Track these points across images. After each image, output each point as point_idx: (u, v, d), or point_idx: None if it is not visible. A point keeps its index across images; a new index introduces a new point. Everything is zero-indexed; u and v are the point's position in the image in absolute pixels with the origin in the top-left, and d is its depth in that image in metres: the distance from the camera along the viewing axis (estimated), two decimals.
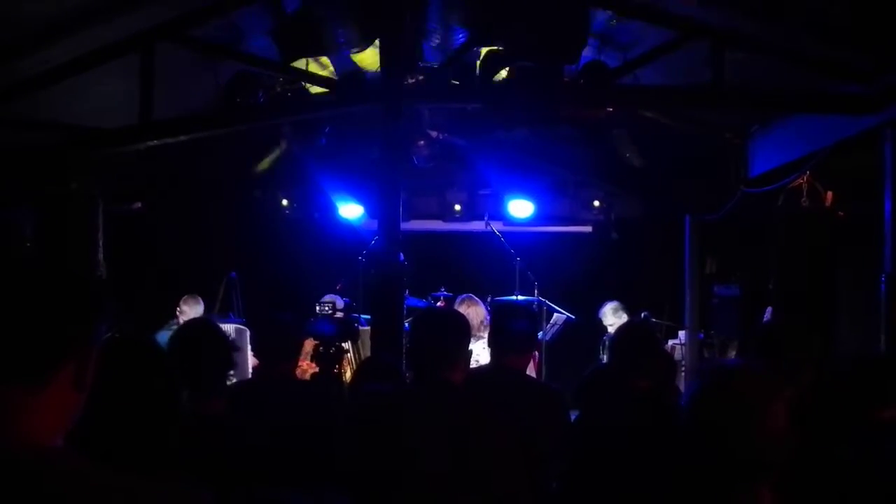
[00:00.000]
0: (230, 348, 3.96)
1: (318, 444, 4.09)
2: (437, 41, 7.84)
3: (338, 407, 4.90)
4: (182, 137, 7.42)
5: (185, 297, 8.96)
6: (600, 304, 9.69)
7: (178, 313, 8.84)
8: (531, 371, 8.00)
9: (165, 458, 2.90)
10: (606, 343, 8.97)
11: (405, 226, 7.31)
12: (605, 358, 8.86)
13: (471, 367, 4.08)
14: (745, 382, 2.48)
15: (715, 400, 2.46)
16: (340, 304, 8.64)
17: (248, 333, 8.55)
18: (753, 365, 2.81)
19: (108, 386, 2.79)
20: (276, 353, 4.91)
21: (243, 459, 3.42)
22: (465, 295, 8.81)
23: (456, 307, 8.58)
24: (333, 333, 7.57)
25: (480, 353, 7.31)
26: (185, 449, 3.11)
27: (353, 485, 3.43)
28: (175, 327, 8.36)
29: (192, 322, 6.51)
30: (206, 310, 9.20)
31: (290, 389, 4.85)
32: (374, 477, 3.37)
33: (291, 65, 7.54)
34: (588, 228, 11.91)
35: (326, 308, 8.02)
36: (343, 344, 7.85)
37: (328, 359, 7.40)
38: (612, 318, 9.41)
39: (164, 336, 7.90)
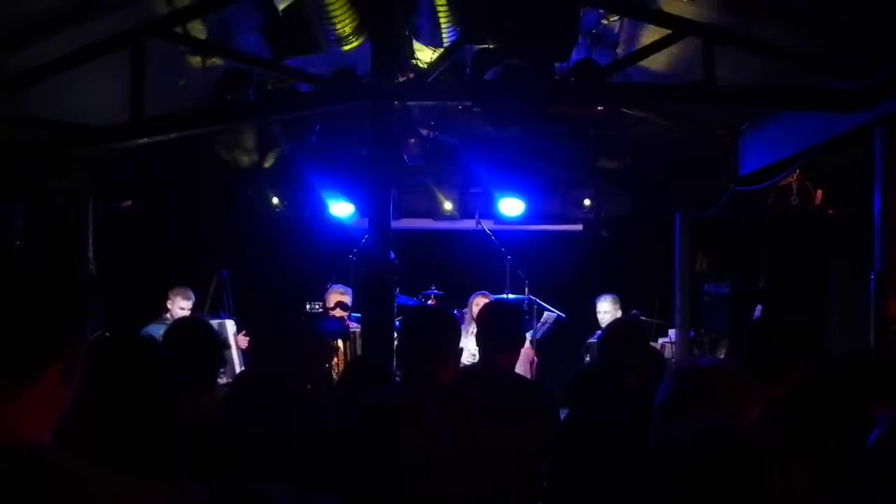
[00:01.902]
0: (221, 346, 3.97)
1: (308, 443, 4.09)
2: (427, 39, 7.83)
3: (328, 405, 4.90)
4: (173, 135, 7.41)
5: (176, 288, 8.91)
6: (594, 299, 9.65)
7: (168, 306, 8.80)
8: (528, 373, 8.03)
9: (155, 454, 2.90)
10: (588, 346, 8.97)
11: (396, 224, 7.32)
12: (588, 360, 8.88)
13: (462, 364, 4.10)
14: (717, 382, 2.48)
15: (686, 400, 2.45)
16: (346, 290, 8.65)
17: (228, 327, 8.53)
18: (726, 364, 2.81)
19: (96, 383, 2.79)
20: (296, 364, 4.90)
21: (234, 456, 3.42)
22: (480, 292, 8.96)
23: (471, 301, 8.69)
24: (332, 331, 7.59)
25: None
26: (175, 445, 3.11)
27: (348, 485, 3.43)
28: (167, 320, 8.35)
29: (184, 320, 6.51)
30: (197, 305, 9.17)
31: (285, 388, 4.84)
32: (370, 478, 3.37)
33: (282, 62, 7.54)
34: (578, 227, 11.92)
35: (317, 306, 8.02)
36: (334, 342, 7.86)
37: (321, 361, 7.40)
38: (610, 307, 9.39)
39: (155, 329, 7.89)
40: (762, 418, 2.52)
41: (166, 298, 8.82)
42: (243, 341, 8.47)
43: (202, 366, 3.79)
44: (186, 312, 8.66)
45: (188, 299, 8.82)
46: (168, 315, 8.64)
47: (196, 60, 7.70)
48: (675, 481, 1.99)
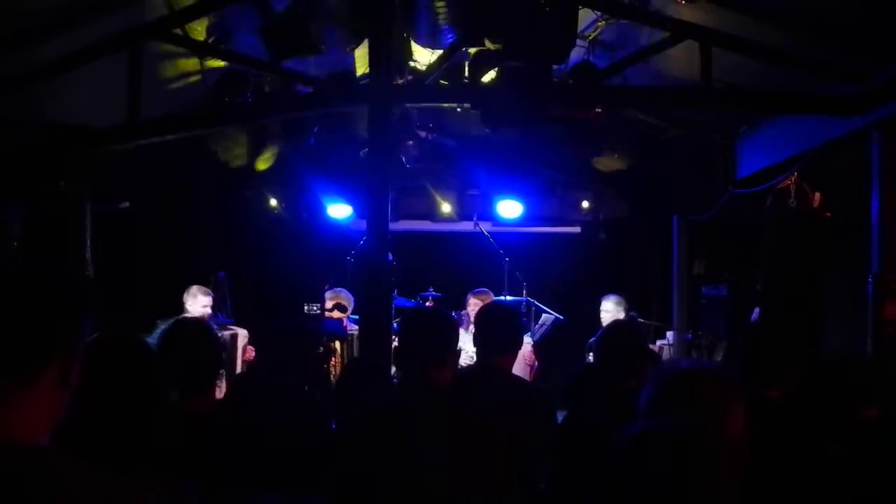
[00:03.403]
0: (221, 348, 3.96)
1: (306, 446, 4.09)
2: (425, 41, 7.83)
3: (325, 408, 4.90)
4: (170, 136, 7.40)
5: (193, 287, 8.72)
6: (601, 297, 9.58)
7: (188, 305, 8.66)
8: (527, 376, 8.01)
9: (152, 456, 2.90)
10: (591, 346, 8.93)
11: (394, 226, 7.29)
12: (590, 359, 8.85)
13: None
14: (700, 385, 2.46)
15: (668, 403, 2.43)
16: (348, 296, 8.61)
17: (240, 336, 8.47)
18: (709, 366, 2.79)
19: (95, 385, 2.79)
20: (293, 362, 4.89)
21: (230, 459, 3.41)
22: (475, 290, 8.91)
23: (470, 298, 8.67)
24: (332, 333, 7.58)
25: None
26: (172, 448, 3.11)
27: (343, 486, 3.43)
28: None
29: (183, 321, 6.47)
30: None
31: (282, 390, 4.83)
32: (368, 479, 3.36)
33: (280, 63, 7.54)
34: (576, 229, 11.94)
35: (315, 308, 8.02)
36: (332, 343, 7.86)
37: (317, 359, 7.40)
38: (613, 308, 9.33)
39: None
40: (749, 421, 2.51)
41: (182, 297, 8.68)
42: (251, 353, 8.35)
43: (200, 367, 3.78)
44: (208, 310, 8.58)
45: (208, 295, 8.72)
46: (186, 314, 8.56)
47: (190, 63, 7.70)
48: (612, 481, 2.01)
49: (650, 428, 2.08)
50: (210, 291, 8.72)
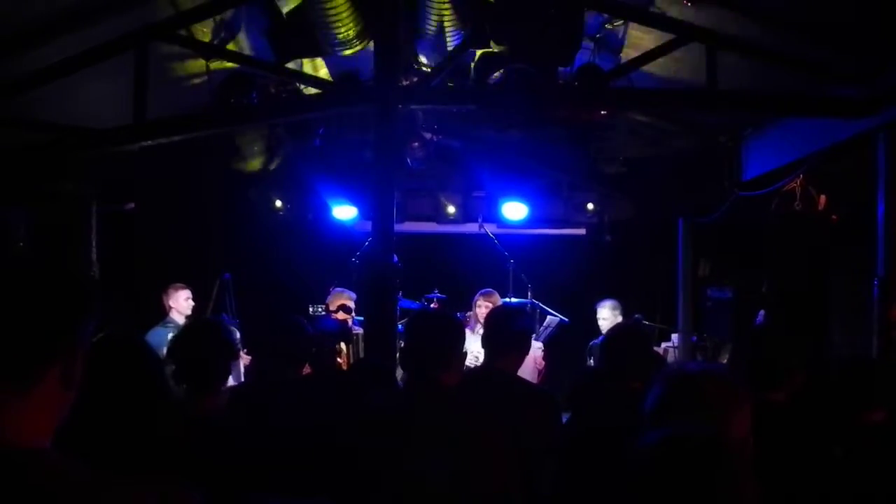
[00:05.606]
0: (231, 350, 3.97)
1: (310, 447, 4.08)
2: (431, 43, 7.84)
3: (330, 409, 4.89)
4: (176, 138, 7.40)
5: (169, 288, 8.74)
6: (596, 304, 9.57)
7: (171, 305, 8.66)
8: (535, 379, 7.98)
9: (155, 457, 2.90)
10: (591, 349, 8.91)
11: (399, 227, 7.28)
12: (591, 362, 8.83)
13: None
14: (706, 387, 2.46)
15: (675, 406, 2.43)
16: (352, 296, 8.60)
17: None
18: (716, 369, 2.79)
19: (97, 385, 2.79)
20: (289, 357, 4.90)
21: (235, 460, 3.41)
22: (482, 291, 8.87)
23: (478, 299, 8.64)
24: (335, 331, 7.57)
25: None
26: (177, 448, 3.11)
27: (349, 488, 3.42)
28: (171, 321, 8.31)
29: (198, 322, 6.48)
30: (200, 308, 9.10)
31: (285, 391, 4.84)
32: (371, 481, 3.36)
33: (286, 65, 7.55)
34: (582, 231, 11.91)
35: (320, 310, 8.01)
36: (337, 345, 7.84)
37: (321, 360, 7.39)
38: (610, 314, 9.30)
39: (159, 333, 7.86)
40: (755, 424, 2.51)
41: (164, 301, 8.68)
42: (245, 359, 8.32)
43: (208, 368, 3.79)
44: (191, 301, 8.58)
45: (185, 288, 8.70)
46: (173, 315, 8.56)
47: (197, 65, 7.70)
48: (630, 492, 2.00)
49: (673, 435, 2.06)
50: (185, 286, 8.71)
